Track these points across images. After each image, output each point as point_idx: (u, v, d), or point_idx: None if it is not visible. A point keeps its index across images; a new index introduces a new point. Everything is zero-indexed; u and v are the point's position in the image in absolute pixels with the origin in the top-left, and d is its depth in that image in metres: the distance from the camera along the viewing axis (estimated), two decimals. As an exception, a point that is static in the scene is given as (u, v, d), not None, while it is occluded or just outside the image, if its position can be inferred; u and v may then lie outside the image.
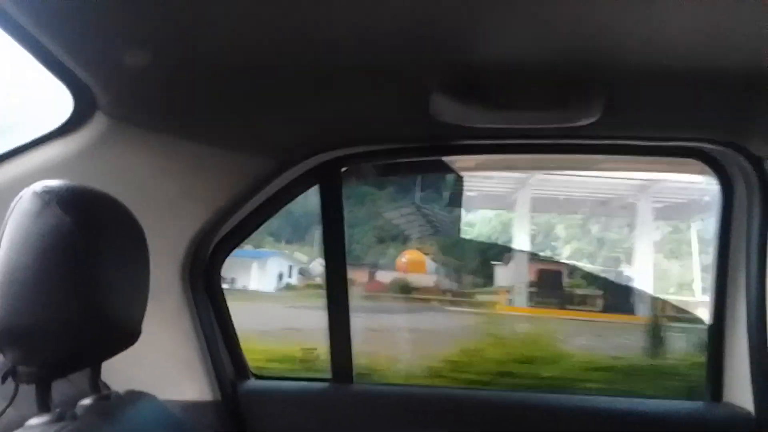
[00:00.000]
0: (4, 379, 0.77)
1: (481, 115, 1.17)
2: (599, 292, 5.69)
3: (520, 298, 5.30)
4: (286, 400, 1.56)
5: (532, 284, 5.48)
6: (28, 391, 0.80)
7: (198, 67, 1.05)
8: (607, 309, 5.39)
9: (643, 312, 5.06)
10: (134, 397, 0.99)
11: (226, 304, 1.58)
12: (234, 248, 1.58)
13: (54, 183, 0.79)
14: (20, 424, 0.77)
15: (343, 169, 1.53)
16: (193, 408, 1.38)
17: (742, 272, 1.45)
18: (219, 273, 1.56)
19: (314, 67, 1.05)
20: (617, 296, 5.43)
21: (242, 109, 1.24)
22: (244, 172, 1.41)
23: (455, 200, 5.37)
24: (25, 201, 0.77)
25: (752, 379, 1.41)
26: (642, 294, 5.13)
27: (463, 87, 1.11)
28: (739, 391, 1.46)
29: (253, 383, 1.58)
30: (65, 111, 1.24)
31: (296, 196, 1.54)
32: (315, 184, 1.52)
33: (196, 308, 1.45)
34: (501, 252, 5.38)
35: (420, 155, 1.58)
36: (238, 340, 1.59)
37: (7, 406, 0.79)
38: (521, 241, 5.40)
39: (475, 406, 1.54)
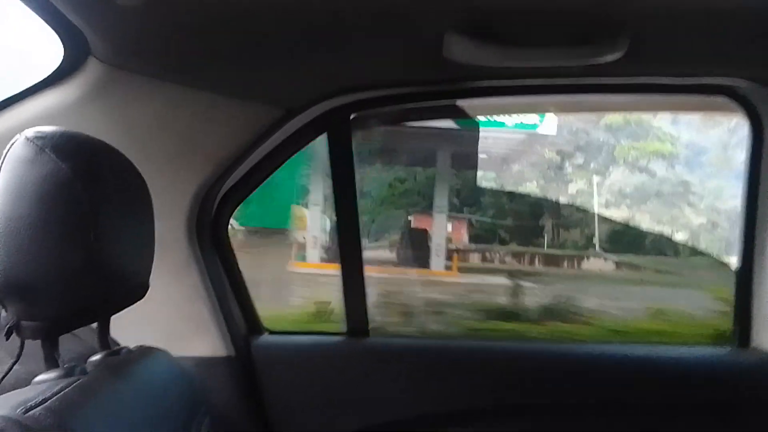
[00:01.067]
0: (8, 334, 0.74)
1: (499, 54, 1.10)
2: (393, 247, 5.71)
3: (313, 252, 5.24)
4: (300, 354, 1.53)
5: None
6: (35, 347, 0.77)
7: (196, 10, 0.98)
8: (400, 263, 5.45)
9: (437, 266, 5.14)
10: (145, 352, 0.96)
11: (235, 259, 1.54)
12: (241, 201, 1.52)
13: (47, 129, 0.73)
14: (28, 381, 0.75)
15: (353, 116, 1.46)
16: (205, 364, 1.36)
17: None
18: (226, 227, 1.52)
19: (320, 6, 0.98)
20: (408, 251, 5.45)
21: (245, 54, 1.17)
22: (248, 121, 1.34)
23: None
24: (17, 148, 0.72)
25: None
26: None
27: (480, 25, 1.03)
28: None
29: (266, 338, 1.56)
30: (56, 59, 1.17)
31: (304, 145, 1.48)
32: (323, 132, 1.45)
33: (205, 263, 1.41)
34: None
35: (433, 99, 1.50)
36: (249, 294, 1.56)
37: (14, 363, 0.77)
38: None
39: (491, 357, 1.52)
